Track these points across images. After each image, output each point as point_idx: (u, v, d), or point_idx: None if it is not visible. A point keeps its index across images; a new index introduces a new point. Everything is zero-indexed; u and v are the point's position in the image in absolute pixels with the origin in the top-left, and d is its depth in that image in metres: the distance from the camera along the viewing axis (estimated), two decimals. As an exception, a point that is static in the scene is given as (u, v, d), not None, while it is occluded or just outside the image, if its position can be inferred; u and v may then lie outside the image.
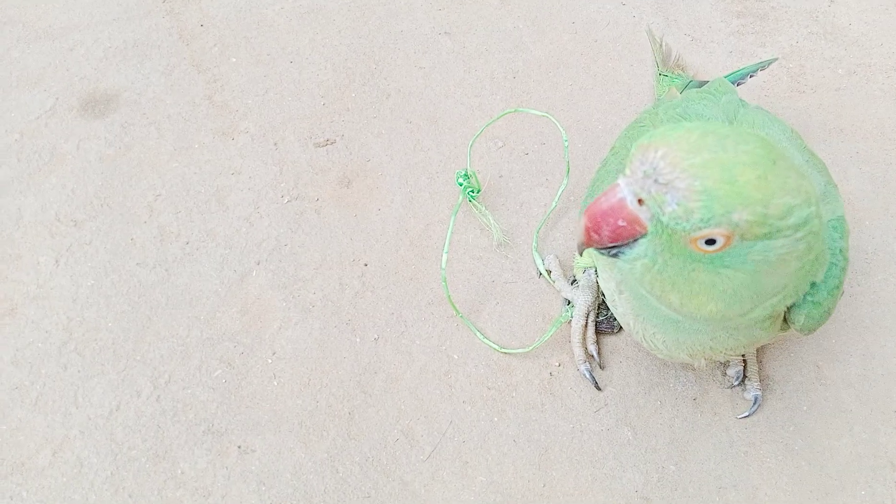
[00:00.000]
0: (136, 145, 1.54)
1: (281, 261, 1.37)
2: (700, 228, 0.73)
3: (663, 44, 1.58)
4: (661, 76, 1.52)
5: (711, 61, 1.68)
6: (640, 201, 0.76)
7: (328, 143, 1.55)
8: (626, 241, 0.79)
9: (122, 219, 1.42)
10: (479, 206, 1.40)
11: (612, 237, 0.79)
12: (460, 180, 1.39)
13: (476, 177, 1.41)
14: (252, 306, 1.31)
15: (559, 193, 1.42)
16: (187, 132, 1.56)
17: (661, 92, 1.50)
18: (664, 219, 0.74)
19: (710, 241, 0.75)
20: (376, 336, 1.28)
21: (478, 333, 1.27)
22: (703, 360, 1.02)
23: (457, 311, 1.27)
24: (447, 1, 1.82)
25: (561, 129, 1.39)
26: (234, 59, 1.71)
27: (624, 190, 0.77)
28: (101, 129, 1.57)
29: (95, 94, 1.64)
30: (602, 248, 0.82)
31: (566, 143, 1.40)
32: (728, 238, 0.74)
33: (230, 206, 1.45)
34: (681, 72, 1.55)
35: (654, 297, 0.85)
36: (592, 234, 0.80)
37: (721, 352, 0.98)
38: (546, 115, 1.40)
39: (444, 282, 1.25)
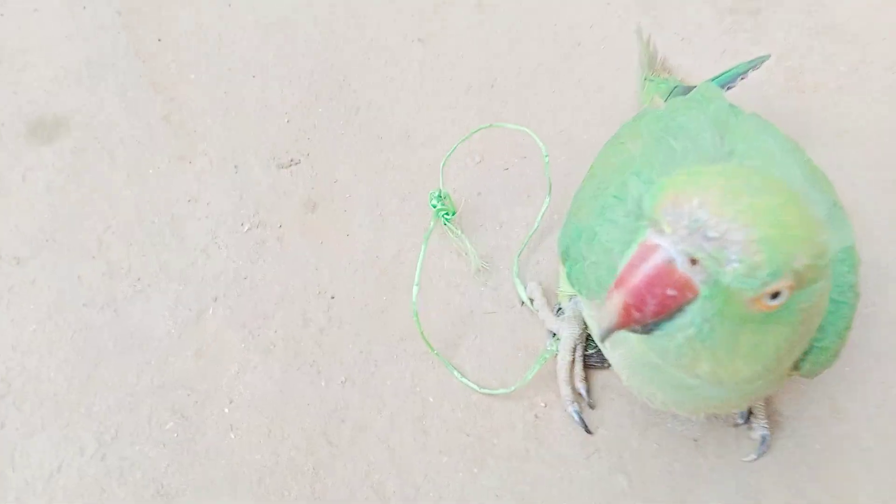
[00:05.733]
0: (86, 173, 1.43)
1: (240, 295, 1.26)
2: (768, 283, 0.63)
3: (651, 44, 1.47)
4: (647, 81, 1.41)
5: (703, 62, 1.56)
6: (692, 262, 0.64)
7: (292, 163, 1.44)
8: (671, 313, 0.67)
9: (68, 254, 1.31)
10: (454, 229, 1.29)
11: (657, 310, 0.66)
12: (434, 202, 1.28)
13: (450, 198, 1.29)
14: (208, 348, 1.20)
15: (541, 213, 1.31)
16: (142, 157, 1.45)
17: (646, 99, 1.39)
18: (725, 279, 0.63)
19: (775, 295, 0.64)
20: (343, 378, 1.16)
21: (455, 372, 1.16)
22: (703, 415, 0.91)
23: (431, 348, 1.16)
24: (420, 6, 1.71)
25: (541, 145, 1.28)
26: (193, 76, 1.59)
27: (670, 250, 0.64)
28: (49, 156, 1.46)
29: (45, 119, 1.52)
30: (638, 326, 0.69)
31: (547, 159, 1.28)
32: (791, 288, 0.64)
33: (186, 236, 1.33)
34: (668, 75, 1.44)
35: (674, 367, 0.73)
36: (635, 312, 0.66)
37: (727, 408, 0.86)
38: (524, 129, 1.29)
39: (416, 317, 1.14)
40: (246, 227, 1.34)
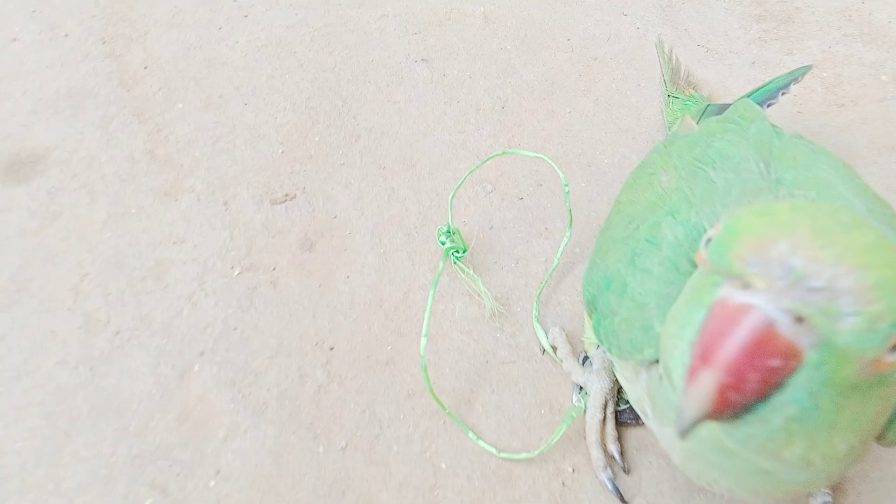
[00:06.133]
0: (63, 214, 1.31)
1: (229, 349, 1.13)
2: (890, 336, 0.50)
3: (673, 58, 1.34)
4: (671, 98, 1.28)
5: (731, 75, 1.44)
6: (797, 321, 0.51)
7: (287, 198, 1.31)
8: (771, 391, 0.53)
9: (41, 307, 1.19)
10: (465, 268, 1.16)
11: (760, 389, 0.52)
12: (442, 238, 1.15)
13: (460, 233, 1.17)
14: (193, 411, 1.07)
15: (562, 247, 1.18)
16: (124, 195, 1.33)
17: (671, 119, 1.26)
18: (843, 338, 0.50)
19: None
20: (344, 443, 1.03)
21: (470, 434, 1.02)
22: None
23: (443, 407, 1.02)
24: (423, 24, 1.59)
25: (559, 172, 1.15)
26: (181, 105, 1.48)
27: (769, 309, 0.51)
28: (24, 196, 1.34)
29: (21, 156, 1.41)
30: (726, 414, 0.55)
31: (566, 188, 1.15)
32: None
33: (170, 283, 1.21)
34: (692, 91, 1.31)
35: (756, 453, 0.59)
36: (733, 394, 0.52)
37: (805, 490, 0.72)
38: (541, 156, 1.16)
39: (425, 372, 1.01)
40: (236, 271, 1.22)
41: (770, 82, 1.20)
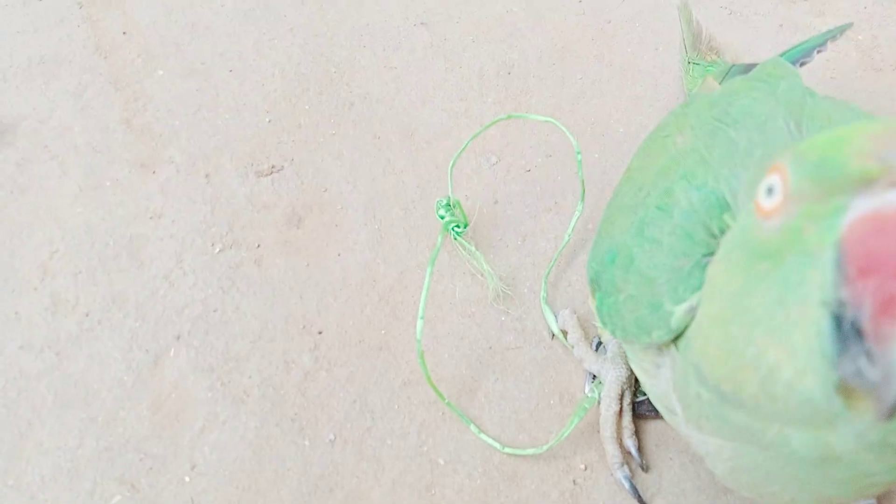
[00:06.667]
0: (32, 187, 1.21)
1: (208, 333, 1.03)
2: None
3: (693, 21, 1.24)
4: (691, 65, 1.18)
5: (757, 39, 1.33)
6: None
7: (274, 170, 1.21)
8: None
9: (5, 286, 1.09)
10: (466, 244, 1.06)
11: None
12: (441, 212, 1.05)
13: (461, 206, 1.06)
14: (167, 399, 0.97)
15: (573, 222, 1.08)
16: (97, 167, 1.23)
17: (691, 86, 1.16)
18: None
19: None
20: (332, 436, 0.93)
21: (472, 426, 0.92)
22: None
23: (441, 396, 0.92)
24: (422, -15, 1.48)
25: (571, 138, 1.04)
26: (161, 72, 1.37)
27: None
28: (-10, 168, 1.24)
29: (-11, 125, 1.31)
30: None
31: (579, 156, 1.05)
32: None
33: (146, 260, 1.11)
34: (714, 56, 1.21)
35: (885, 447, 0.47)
36: None
37: (875, 493, 0.61)
38: (550, 120, 1.06)
39: (422, 358, 0.91)
40: (217, 249, 1.12)
41: (805, 41, 1.10)
